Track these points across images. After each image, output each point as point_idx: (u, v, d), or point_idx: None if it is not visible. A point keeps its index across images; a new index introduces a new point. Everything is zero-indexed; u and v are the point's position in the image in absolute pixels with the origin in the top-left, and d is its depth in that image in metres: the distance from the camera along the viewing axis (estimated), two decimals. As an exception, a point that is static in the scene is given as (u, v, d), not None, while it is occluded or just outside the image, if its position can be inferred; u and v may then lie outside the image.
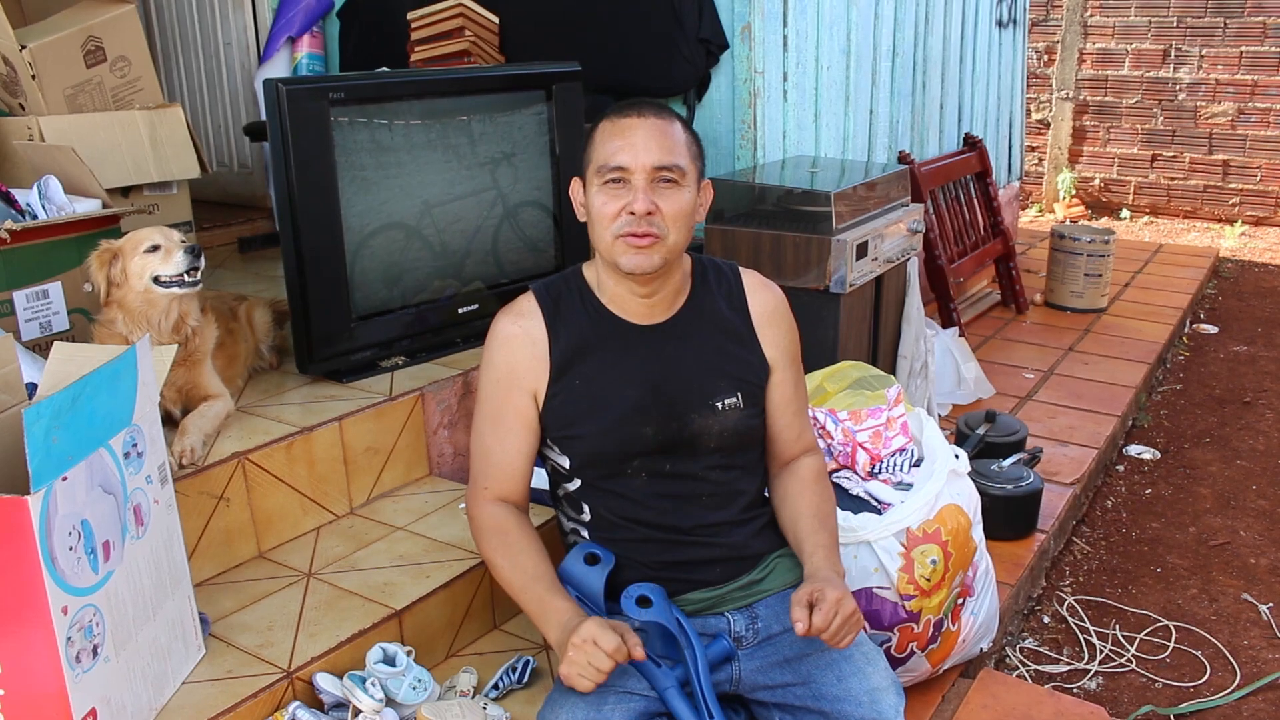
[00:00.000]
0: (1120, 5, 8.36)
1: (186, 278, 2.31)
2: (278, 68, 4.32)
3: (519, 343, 1.92)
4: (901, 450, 2.52)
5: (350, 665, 2.06)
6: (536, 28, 3.85)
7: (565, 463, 1.96)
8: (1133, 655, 2.90)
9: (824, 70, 4.14)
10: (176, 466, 2.23)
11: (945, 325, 4.68)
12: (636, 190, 1.79)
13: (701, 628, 1.92)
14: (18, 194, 2.67)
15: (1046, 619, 3.08)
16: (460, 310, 2.99)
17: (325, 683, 1.98)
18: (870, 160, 4.58)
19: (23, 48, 3.20)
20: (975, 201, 5.43)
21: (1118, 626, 3.03)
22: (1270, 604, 3.13)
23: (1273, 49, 7.89)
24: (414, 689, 2.03)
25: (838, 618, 1.72)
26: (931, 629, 2.30)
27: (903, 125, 4.90)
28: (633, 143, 1.80)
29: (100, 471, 1.69)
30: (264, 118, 2.61)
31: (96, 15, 3.38)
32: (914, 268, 3.72)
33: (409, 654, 2.10)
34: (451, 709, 1.99)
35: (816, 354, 3.02)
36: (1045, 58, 8.77)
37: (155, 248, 2.31)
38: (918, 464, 2.50)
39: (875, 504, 2.38)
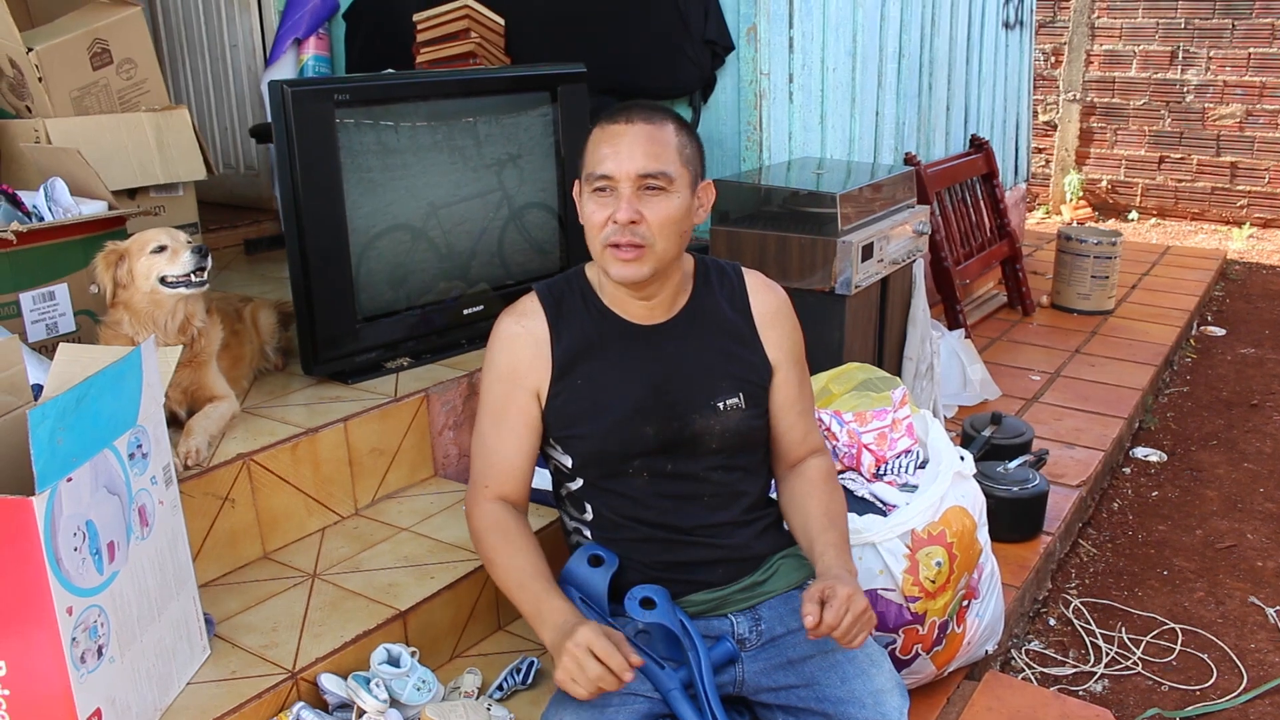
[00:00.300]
0: (1128, 7, 8.34)
1: (193, 278, 2.31)
2: (284, 70, 4.33)
3: (522, 342, 1.92)
4: (907, 452, 2.52)
5: (355, 666, 2.06)
6: (542, 29, 3.85)
7: (568, 462, 1.96)
8: (1139, 658, 2.89)
9: (830, 72, 4.14)
10: (182, 467, 2.23)
11: (951, 327, 4.67)
12: (621, 199, 1.79)
13: (705, 629, 1.92)
14: (24, 196, 2.68)
15: (1052, 621, 3.07)
16: (465, 312, 2.99)
17: (330, 683, 1.99)
18: (876, 162, 4.58)
19: (29, 50, 3.20)
20: (981, 203, 5.42)
21: (1124, 629, 3.02)
22: (1277, 607, 3.12)
23: (1281, 50, 7.89)
24: (418, 690, 2.03)
25: (849, 615, 1.70)
26: (936, 631, 2.30)
27: (909, 127, 4.90)
28: (618, 150, 1.79)
29: (105, 472, 1.69)
30: (270, 120, 2.62)
31: (102, 18, 3.38)
32: (920, 269, 3.71)
33: (413, 655, 2.10)
34: (455, 710, 1.99)
35: (822, 356, 3.01)
36: (1052, 59, 8.76)
37: (162, 248, 2.31)
38: (923, 466, 2.50)
39: (880, 506, 2.38)
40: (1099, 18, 8.48)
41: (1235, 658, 2.89)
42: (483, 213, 3.03)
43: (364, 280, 2.76)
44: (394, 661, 2.06)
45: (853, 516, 2.27)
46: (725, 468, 1.94)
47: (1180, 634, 2.99)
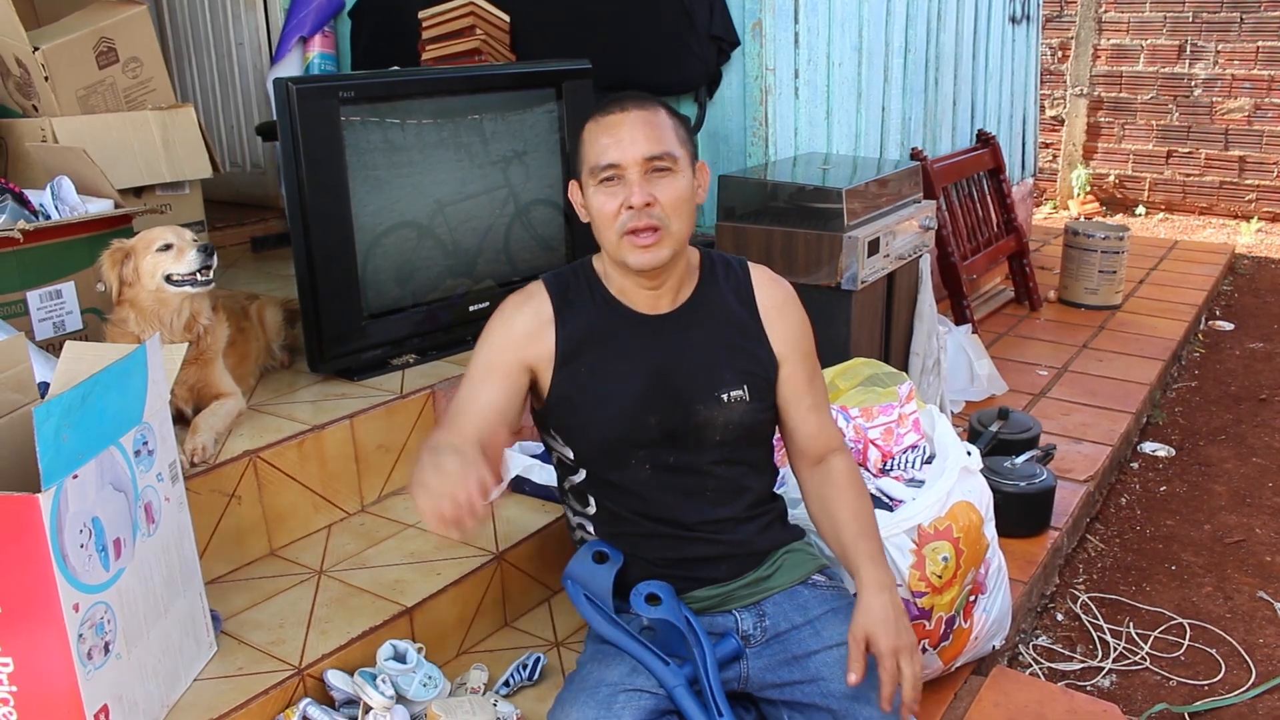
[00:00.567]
0: (1135, 1, 8.32)
1: (199, 276, 2.32)
2: (289, 68, 4.34)
3: (525, 316, 1.92)
4: (913, 447, 2.51)
5: (361, 662, 2.07)
6: (547, 26, 3.85)
7: (570, 453, 1.95)
8: (1147, 653, 2.88)
9: (836, 67, 4.13)
10: (188, 464, 2.24)
11: (958, 322, 4.66)
12: (631, 184, 1.79)
13: (710, 626, 1.92)
14: (31, 195, 2.68)
15: (1060, 616, 3.07)
16: (471, 308, 2.99)
17: (336, 680, 1.99)
18: (882, 157, 4.57)
19: (35, 49, 3.21)
20: (988, 198, 5.41)
21: (1132, 624, 3.02)
22: (1286, 601, 3.12)
23: (1289, 44, 7.86)
24: (424, 686, 2.03)
25: (907, 685, 1.74)
26: (943, 626, 2.30)
27: (915, 122, 4.89)
28: (620, 138, 1.79)
29: (111, 469, 1.69)
30: (276, 117, 2.62)
31: (108, 16, 3.39)
32: (926, 264, 3.70)
33: (420, 651, 2.10)
34: (462, 706, 1.99)
35: (828, 351, 3.00)
36: (1059, 54, 8.73)
37: (168, 246, 2.31)
38: (929, 461, 2.50)
39: (887, 501, 2.38)
40: (1106, 12, 8.46)
41: (1244, 652, 2.88)
42: (488, 209, 3.03)
43: (370, 277, 2.76)
44: (400, 658, 2.06)
45: (859, 512, 2.26)
46: (729, 461, 1.94)
47: (1188, 629, 2.99)
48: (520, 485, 2.70)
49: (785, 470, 2.37)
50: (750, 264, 2.04)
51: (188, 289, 2.33)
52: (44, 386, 2.03)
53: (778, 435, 2.10)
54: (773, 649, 1.89)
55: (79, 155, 2.77)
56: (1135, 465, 4.04)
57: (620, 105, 1.83)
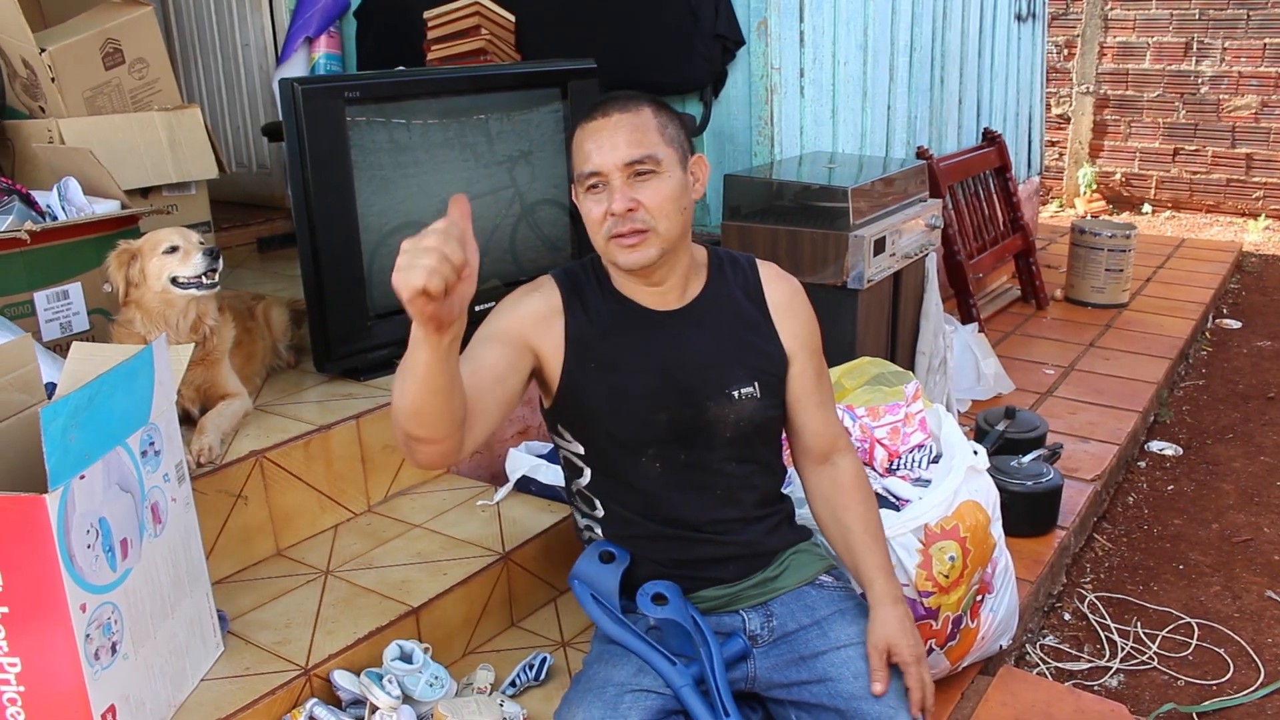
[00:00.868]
0: (1141, -2, 8.32)
1: (204, 280, 2.32)
2: (295, 68, 4.34)
3: (535, 300, 1.90)
4: (920, 446, 2.51)
5: (367, 662, 2.07)
6: (552, 25, 3.85)
7: (579, 449, 1.95)
8: (1154, 653, 2.88)
9: (841, 66, 4.13)
10: (195, 465, 2.24)
11: (964, 321, 4.66)
12: (613, 190, 1.78)
13: (717, 626, 1.91)
14: (38, 196, 2.69)
15: (1067, 616, 3.06)
16: (477, 308, 2.95)
17: (343, 680, 1.99)
18: (888, 156, 4.56)
19: (42, 50, 3.22)
20: (994, 197, 5.40)
21: (1139, 624, 3.01)
22: (1294, 600, 3.11)
23: (1296, 41, 7.84)
24: (431, 686, 2.03)
25: (929, 692, 1.82)
26: (950, 626, 2.29)
27: (921, 121, 4.88)
28: (600, 145, 1.79)
29: (117, 470, 1.70)
30: (281, 118, 2.62)
31: (115, 18, 3.39)
32: (932, 263, 3.70)
33: (426, 651, 2.10)
34: (468, 706, 1.99)
35: (834, 350, 2.99)
36: (1065, 52, 8.72)
37: (174, 249, 2.31)
38: (936, 460, 2.49)
39: (893, 500, 2.37)
40: (1112, 9, 8.44)
41: (1252, 652, 2.87)
42: (494, 209, 3.03)
43: (376, 277, 2.76)
44: (407, 658, 2.06)
45: (866, 512, 2.26)
46: (739, 459, 1.94)
47: (1196, 628, 2.98)
48: (526, 485, 2.70)
49: (791, 470, 2.37)
50: (759, 261, 2.03)
51: (193, 292, 2.33)
52: (51, 387, 2.03)
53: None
54: (780, 649, 1.89)
55: (85, 156, 2.78)
56: (1142, 464, 4.03)
57: (603, 110, 1.82)
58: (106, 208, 2.71)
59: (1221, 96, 8.14)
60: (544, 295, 1.91)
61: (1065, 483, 3.21)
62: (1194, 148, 8.35)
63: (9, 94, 3.41)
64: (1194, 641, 2.93)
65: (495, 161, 3.00)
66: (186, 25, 4.91)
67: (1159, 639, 2.94)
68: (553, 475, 2.64)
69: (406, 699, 2.00)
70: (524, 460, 2.73)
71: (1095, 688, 2.74)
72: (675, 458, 1.91)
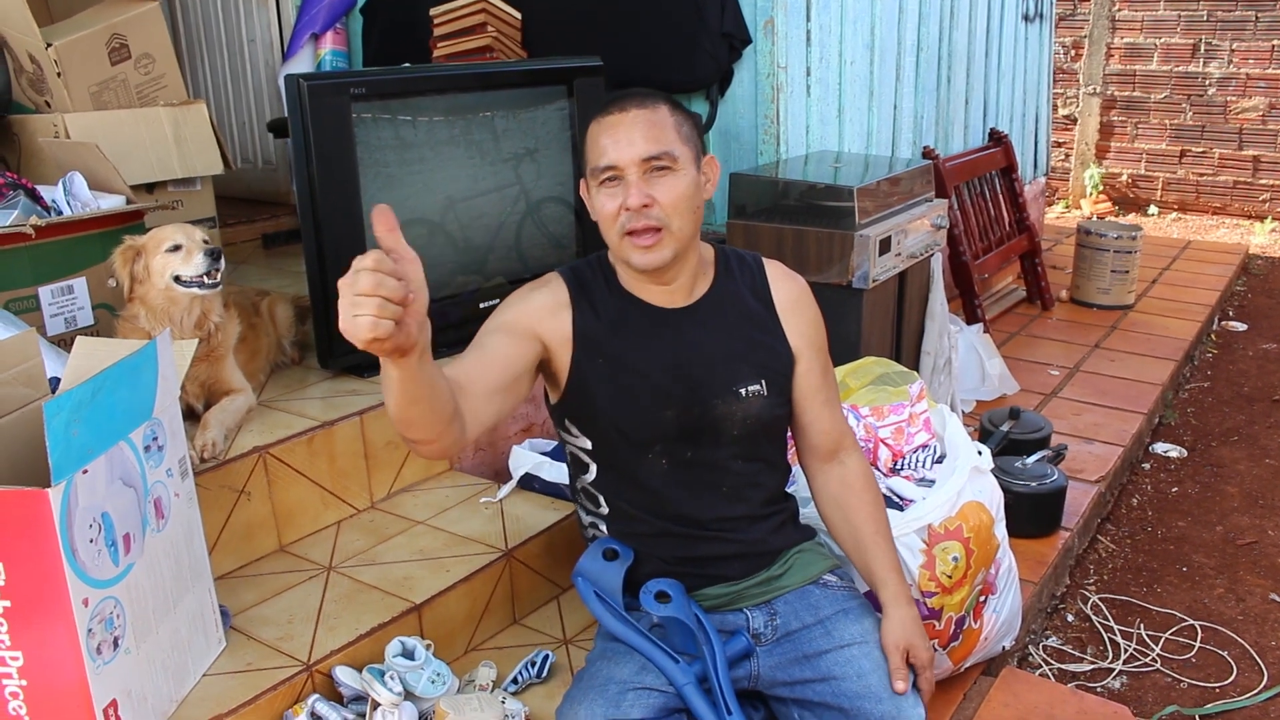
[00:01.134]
0: (1149, -1, 8.30)
1: (206, 279, 2.32)
2: (301, 64, 4.34)
3: (543, 294, 1.90)
4: (924, 447, 2.50)
5: (369, 659, 2.07)
6: (559, 23, 3.85)
7: (586, 444, 1.94)
8: (1158, 655, 2.87)
9: (848, 65, 4.12)
10: (198, 460, 2.24)
11: (969, 321, 4.65)
12: (629, 185, 1.78)
13: (720, 624, 1.91)
14: (43, 190, 2.69)
15: (1070, 617, 3.06)
16: (482, 305, 2.99)
17: (344, 676, 1.99)
18: (894, 155, 4.56)
19: (48, 45, 3.22)
20: (1000, 197, 5.39)
21: (1142, 626, 3.01)
22: (1298, 603, 3.10)
23: (1304, 43, 7.82)
24: (432, 683, 2.03)
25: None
26: (953, 626, 2.29)
27: (927, 120, 4.87)
28: (617, 139, 1.78)
29: (120, 464, 1.70)
30: (287, 114, 2.63)
31: (121, 13, 3.40)
32: (938, 263, 3.69)
33: (428, 648, 2.10)
34: (470, 703, 1.99)
35: (839, 349, 2.99)
36: (1072, 52, 8.70)
37: (177, 247, 2.32)
38: (940, 461, 2.49)
39: (897, 500, 2.37)
40: (1120, 10, 8.42)
41: (1255, 655, 2.87)
42: (500, 207, 3.03)
43: (380, 274, 2.76)
44: (409, 654, 2.06)
45: (869, 511, 2.26)
46: (745, 457, 1.93)
47: (1200, 631, 2.97)
48: (530, 482, 2.70)
49: (796, 469, 2.37)
50: (765, 259, 2.03)
51: (195, 291, 2.33)
52: (55, 381, 2.03)
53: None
54: (784, 647, 1.89)
55: (91, 151, 2.78)
56: (1147, 466, 4.02)
57: (620, 105, 1.82)
58: (112, 203, 2.72)
59: (1229, 98, 8.12)
60: (552, 290, 1.91)
61: (1069, 484, 3.20)
62: (1201, 149, 8.33)
63: (15, 89, 3.41)
64: (1197, 644, 2.92)
65: (501, 159, 2.99)
66: (193, 21, 4.92)
67: (1162, 641, 2.93)
68: (556, 472, 2.64)
69: (408, 696, 2.00)
70: (527, 457, 2.73)
71: (1098, 689, 2.73)
72: (681, 455, 1.90)
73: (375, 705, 1.96)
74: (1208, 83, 8.18)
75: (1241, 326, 5.71)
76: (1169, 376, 4.53)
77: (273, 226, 4.38)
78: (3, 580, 1.56)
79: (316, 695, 1.96)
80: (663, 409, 1.87)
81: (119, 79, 3.40)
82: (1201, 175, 8.38)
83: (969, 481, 2.32)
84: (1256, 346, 5.39)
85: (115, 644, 1.68)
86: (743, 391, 1.90)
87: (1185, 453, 4.13)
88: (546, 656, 2.19)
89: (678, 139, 1.81)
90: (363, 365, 2.78)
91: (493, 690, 2.12)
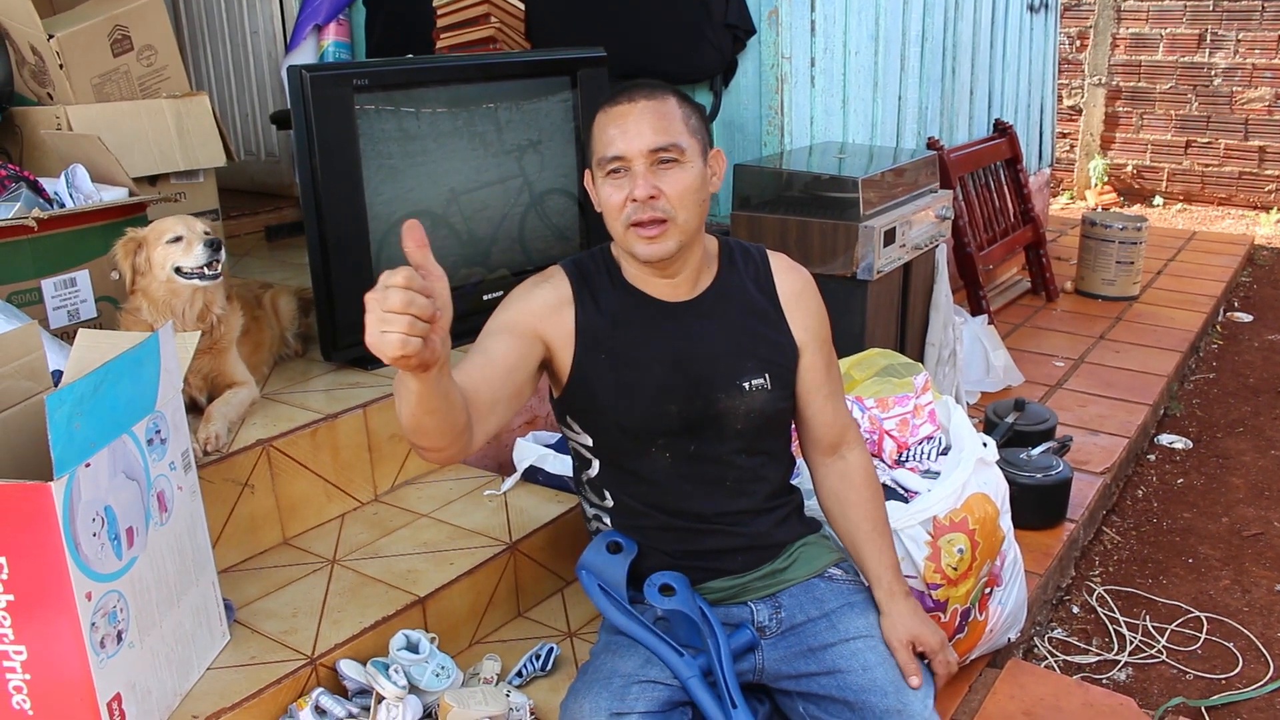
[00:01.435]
0: (1155, -11, 8.27)
1: (206, 271, 2.31)
2: (304, 56, 4.33)
3: (545, 291, 1.89)
4: (929, 438, 2.50)
5: (374, 652, 2.06)
6: (562, 14, 3.84)
7: (588, 441, 1.94)
8: (1163, 646, 2.86)
9: (852, 56, 4.11)
10: (201, 453, 2.24)
11: (974, 313, 4.64)
12: (636, 176, 1.77)
13: (725, 617, 1.91)
14: (46, 183, 2.68)
15: (1075, 609, 3.05)
16: (485, 297, 2.99)
17: (349, 669, 1.99)
18: (899, 146, 4.55)
19: (50, 37, 3.21)
20: (1005, 188, 5.38)
21: (1148, 617, 3.00)
22: (1304, 595, 3.09)
23: (1311, 33, 7.79)
24: (437, 676, 2.03)
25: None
26: (959, 619, 2.28)
27: (932, 111, 4.86)
28: (625, 130, 1.77)
29: (123, 458, 1.69)
30: (290, 106, 2.62)
31: (123, 4, 3.38)
32: (942, 254, 3.68)
33: (432, 641, 2.10)
34: (474, 696, 1.98)
35: (844, 341, 2.99)
36: (1078, 43, 8.67)
37: (178, 239, 2.31)
38: (945, 452, 2.48)
39: (902, 492, 2.36)
40: (1125, 0, 8.39)
41: (1261, 646, 2.86)
42: (503, 199, 3.02)
43: (384, 266, 2.71)
44: (413, 648, 2.06)
45: (875, 504, 2.26)
46: (749, 451, 1.93)
47: (1205, 622, 2.97)
48: (534, 475, 2.69)
49: (801, 461, 2.36)
50: (769, 252, 2.02)
51: (196, 282, 2.32)
52: (57, 375, 2.03)
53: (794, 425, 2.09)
54: (788, 641, 1.88)
55: (94, 143, 2.77)
56: (1152, 457, 4.01)
57: (628, 95, 1.81)
58: (114, 195, 2.71)
59: (1235, 89, 8.09)
60: (554, 286, 1.90)
61: (1074, 475, 3.19)
62: (1206, 140, 8.31)
63: (17, 81, 3.40)
64: (1203, 635, 2.91)
65: (504, 150, 2.98)
66: (195, 12, 4.91)
67: (1168, 633, 2.92)
68: (560, 465, 2.64)
69: (413, 689, 2.00)
70: (532, 450, 2.73)
71: (1104, 681, 2.73)
72: (684, 449, 1.90)
73: (379, 699, 1.95)
74: (1213, 73, 8.15)
75: (1247, 317, 5.70)
76: (1174, 368, 4.52)
77: (276, 219, 4.38)
78: (5, 574, 1.55)
79: (321, 689, 1.96)
80: (665, 403, 1.87)
81: (121, 71, 3.39)
82: (1207, 166, 8.36)
83: (974, 473, 2.32)
84: (1262, 337, 5.38)
85: (119, 638, 1.68)
86: (746, 385, 1.89)
87: (1190, 444, 4.12)
88: (551, 649, 2.19)
89: (685, 131, 1.80)
90: (366, 358, 2.77)
91: (497, 683, 2.11)
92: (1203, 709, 2.62)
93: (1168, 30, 8.27)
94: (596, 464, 1.96)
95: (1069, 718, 2.30)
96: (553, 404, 2.00)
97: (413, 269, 1.29)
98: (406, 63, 3.09)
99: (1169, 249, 6.57)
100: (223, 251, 2.33)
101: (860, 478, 2.00)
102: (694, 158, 1.81)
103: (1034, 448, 3.21)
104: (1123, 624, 2.96)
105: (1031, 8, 5.86)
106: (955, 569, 2.23)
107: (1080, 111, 8.76)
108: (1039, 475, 3.05)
